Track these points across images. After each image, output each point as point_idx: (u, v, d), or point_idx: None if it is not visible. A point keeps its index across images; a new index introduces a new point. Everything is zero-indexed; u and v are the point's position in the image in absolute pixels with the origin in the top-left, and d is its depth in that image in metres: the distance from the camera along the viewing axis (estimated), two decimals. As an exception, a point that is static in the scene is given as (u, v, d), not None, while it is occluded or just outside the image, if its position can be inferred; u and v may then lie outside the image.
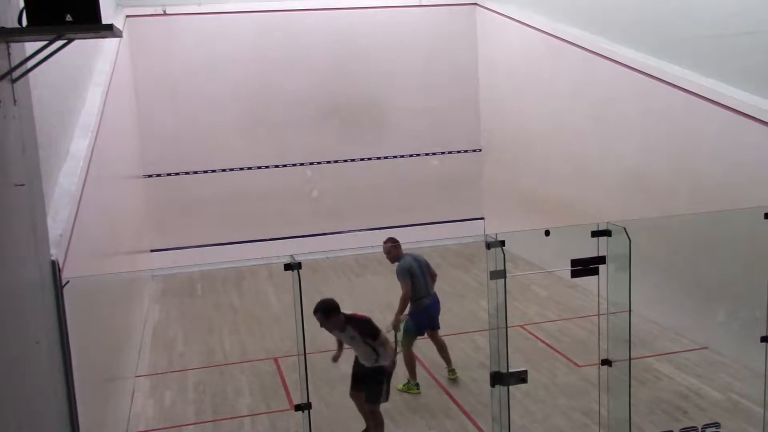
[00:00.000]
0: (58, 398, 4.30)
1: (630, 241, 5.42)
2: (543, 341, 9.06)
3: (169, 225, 13.32)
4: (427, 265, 7.95)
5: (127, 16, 12.52)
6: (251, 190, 13.67)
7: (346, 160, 14.13)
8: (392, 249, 7.86)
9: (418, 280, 7.74)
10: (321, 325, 6.59)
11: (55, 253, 4.43)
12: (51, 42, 3.81)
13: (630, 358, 5.67)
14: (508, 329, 5.33)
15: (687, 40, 8.87)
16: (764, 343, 6.25)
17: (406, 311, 7.77)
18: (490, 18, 13.72)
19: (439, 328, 8.10)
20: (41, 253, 4.19)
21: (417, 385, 7.88)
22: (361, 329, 6.60)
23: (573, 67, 11.14)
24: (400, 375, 7.67)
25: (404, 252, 7.87)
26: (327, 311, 6.49)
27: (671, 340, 8.89)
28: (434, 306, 7.98)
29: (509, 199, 13.57)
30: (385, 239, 8.01)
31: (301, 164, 13.94)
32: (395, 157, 14.33)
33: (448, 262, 12.92)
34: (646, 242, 6.46)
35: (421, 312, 7.83)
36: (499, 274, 5.21)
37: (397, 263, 7.79)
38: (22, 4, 3.67)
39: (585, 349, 8.62)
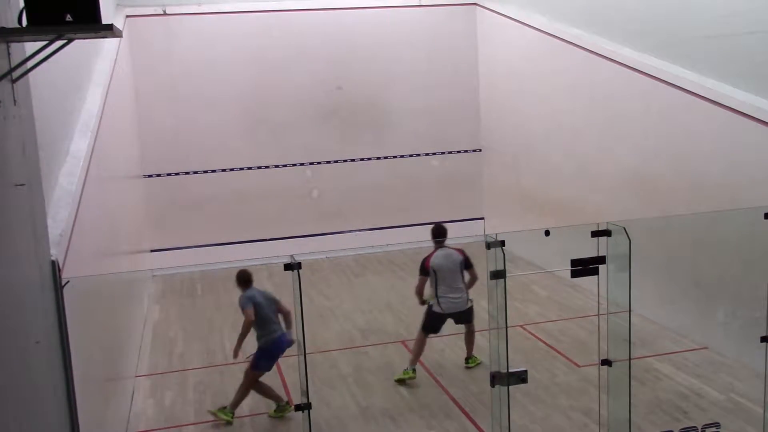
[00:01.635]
0: (58, 398, 4.29)
1: (630, 241, 5.42)
2: (543, 341, 9.06)
3: (169, 225, 13.32)
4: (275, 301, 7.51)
5: (127, 16, 12.52)
6: (251, 190, 13.67)
7: (346, 160, 14.13)
8: None
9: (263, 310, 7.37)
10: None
11: (55, 253, 4.43)
12: (51, 42, 3.81)
13: (630, 358, 5.67)
14: (508, 329, 5.33)
15: (687, 40, 8.87)
16: (764, 343, 6.25)
17: None
18: (490, 18, 13.72)
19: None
20: (41, 253, 4.19)
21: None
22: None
23: (573, 67, 11.14)
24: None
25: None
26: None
27: (671, 340, 8.89)
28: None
29: (509, 199, 13.57)
30: None
31: (301, 164, 13.94)
32: (395, 157, 14.33)
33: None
34: (646, 242, 6.46)
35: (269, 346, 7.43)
36: (499, 274, 5.21)
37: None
38: (22, 4, 3.67)
39: (585, 349, 8.63)
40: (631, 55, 9.75)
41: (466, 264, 8.06)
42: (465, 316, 8.24)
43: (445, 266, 7.97)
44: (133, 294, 9.82)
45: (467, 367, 8.38)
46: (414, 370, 8.07)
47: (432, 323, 8.16)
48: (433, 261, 7.99)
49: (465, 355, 8.50)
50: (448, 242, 8.28)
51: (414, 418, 7.30)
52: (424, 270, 8.04)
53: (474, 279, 8.14)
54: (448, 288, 7.99)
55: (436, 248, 8.13)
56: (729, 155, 8.21)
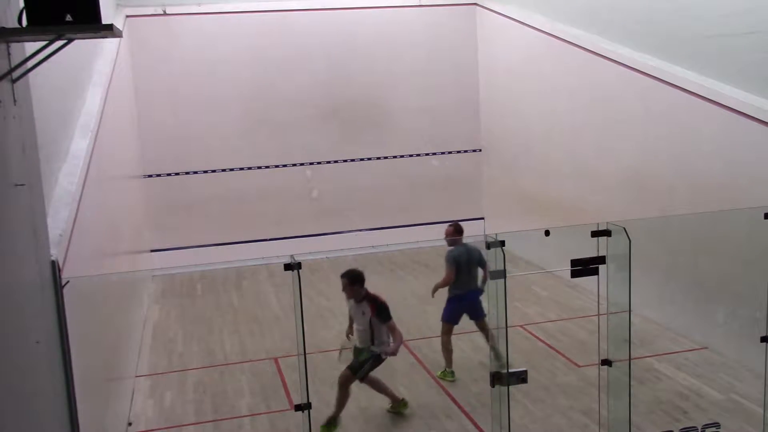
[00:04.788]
0: (58, 398, 4.30)
1: (630, 241, 5.42)
2: (543, 341, 9.06)
3: (169, 225, 13.32)
4: (479, 262, 8.04)
5: (127, 16, 12.52)
6: (251, 190, 13.67)
7: (346, 160, 14.13)
8: (449, 232, 8.29)
9: (461, 271, 7.95)
10: (342, 289, 7.15)
11: (55, 253, 4.43)
12: (51, 42, 3.81)
13: (630, 358, 5.67)
14: (508, 329, 5.33)
15: (687, 40, 8.87)
16: (764, 343, 6.25)
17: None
18: (490, 18, 13.72)
19: (481, 317, 8.18)
20: (41, 253, 4.19)
21: (452, 372, 8.09)
22: (375, 309, 6.98)
23: (573, 68, 11.14)
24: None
25: (462, 243, 8.17)
26: (353, 279, 7.06)
27: (671, 340, 8.89)
28: (469, 298, 8.10)
29: (509, 199, 13.57)
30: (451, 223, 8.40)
31: (301, 164, 13.94)
32: (395, 157, 14.33)
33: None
34: (646, 242, 6.46)
35: (454, 301, 8.10)
36: (499, 274, 5.21)
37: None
38: (22, 4, 3.67)
39: (585, 349, 8.63)
40: (631, 55, 9.75)
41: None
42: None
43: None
44: (133, 294, 9.82)
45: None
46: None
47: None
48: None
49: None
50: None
51: (414, 418, 7.30)
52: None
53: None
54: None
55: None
56: (729, 155, 8.21)
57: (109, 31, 3.66)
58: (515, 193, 13.28)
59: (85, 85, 8.00)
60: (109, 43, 9.65)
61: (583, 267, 5.46)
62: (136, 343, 9.23)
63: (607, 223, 5.60)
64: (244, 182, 13.65)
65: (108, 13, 10.15)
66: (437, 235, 14.12)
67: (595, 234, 5.57)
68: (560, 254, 7.87)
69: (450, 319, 8.14)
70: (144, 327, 10.27)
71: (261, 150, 13.69)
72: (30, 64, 3.99)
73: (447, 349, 8.13)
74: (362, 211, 14.13)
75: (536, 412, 7.26)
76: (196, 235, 13.43)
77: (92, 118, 7.30)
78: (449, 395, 7.76)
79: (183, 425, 7.43)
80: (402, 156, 14.35)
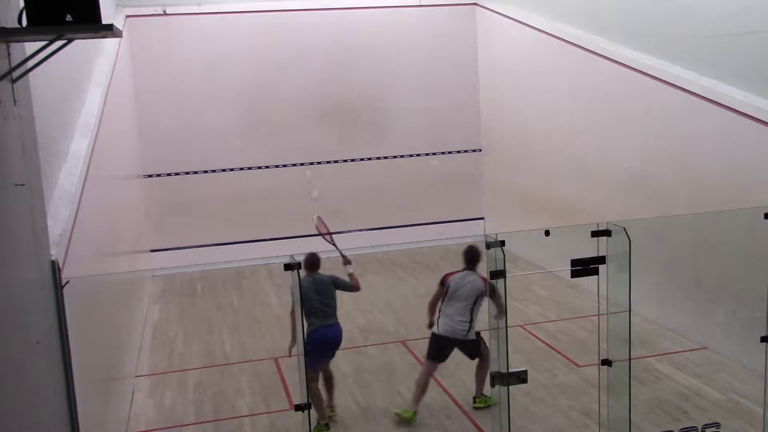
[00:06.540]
0: (58, 398, 4.29)
1: (630, 241, 5.42)
2: (543, 341, 9.06)
3: (169, 225, 13.32)
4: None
5: (127, 16, 12.53)
6: (251, 190, 13.68)
7: (346, 160, 14.13)
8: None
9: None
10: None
11: (55, 253, 4.43)
12: (51, 42, 3.81)
13: (630, 358, 5.67)
14: (508, 329, 5.33)
15: (687, 40, 8.88)
16: (764, 343, 6.25)
17: None
18: (490, 18, 13.72)
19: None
20: (41, 253, 4.19)
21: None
22: None
23: (573, 67, 11.14)
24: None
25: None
26: None
27: (671, 340, 8.89)
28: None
29: (509, 199, 13.57)
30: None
31: (301, 164, 13.94)
32: (395, 157, 14.33)
33: (448, 262, 12.91)
34: (646, 242, 6.46)
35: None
36: (499, 274, 5.21)
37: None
38: (22, 4, 3.67)
39: (585, 349, 8.63)
40: (631, 55, 9.75)
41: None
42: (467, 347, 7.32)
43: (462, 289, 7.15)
44: (133, 294, 9.82)
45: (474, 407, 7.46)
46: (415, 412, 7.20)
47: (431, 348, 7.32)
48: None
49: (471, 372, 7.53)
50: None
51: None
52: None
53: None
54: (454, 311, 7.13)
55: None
56: (729, 155, 8.21)
57: (109, 31, 3.66)
58: (515, 193, 13.29)
59: (85, 85, 8.00)
60: (109, 43, 9.65)
61: (583, 267, 5.45)
62: (136, 343, 9.23)
63: (607, 223, 5.59)
64: (244, 182, 13.66)
65: (108, 13, 10.15)
66: (437, 235, 14.24)
67: (595, 234, 5.57)
68: (560, 254, 7.88)
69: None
70: (144, 327, 10.27)
71: (261, 150, 13.69)
72: (30, 64, 3.99)
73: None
74: (362, 211, 14.13)
75: (536, 412, 7.26)
76: (196, 235, 13.43)
77: (92, 118, 7.30)
78: (449, 395, 7.76)
79: (183, 425, 7.43)
80: (402, 156, 14.36)
